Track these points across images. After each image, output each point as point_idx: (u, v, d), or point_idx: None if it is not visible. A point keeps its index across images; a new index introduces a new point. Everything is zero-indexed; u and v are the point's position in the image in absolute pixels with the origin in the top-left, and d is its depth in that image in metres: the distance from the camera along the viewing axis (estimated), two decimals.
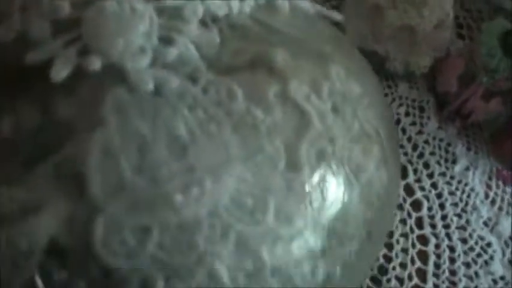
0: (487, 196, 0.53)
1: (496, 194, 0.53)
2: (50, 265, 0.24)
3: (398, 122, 0.54)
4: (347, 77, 0.30)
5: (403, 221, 0.50)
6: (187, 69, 0.25)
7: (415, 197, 0.51)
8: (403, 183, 0.51)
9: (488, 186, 0.54)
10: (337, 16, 0.33)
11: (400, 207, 0.50)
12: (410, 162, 0.52)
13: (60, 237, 0.24)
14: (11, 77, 0.25)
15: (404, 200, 0.51)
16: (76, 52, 0.23)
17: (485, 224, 0.51)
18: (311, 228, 0.27)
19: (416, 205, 0.51)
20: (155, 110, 0.24)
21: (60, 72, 0.23)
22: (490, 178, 0.54)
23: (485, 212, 0.52)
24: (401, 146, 0.53)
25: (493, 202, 0.53)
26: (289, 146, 0.26)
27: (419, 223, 0.50)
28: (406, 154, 0.53)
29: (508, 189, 0.54)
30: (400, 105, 0.55)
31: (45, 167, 0.24)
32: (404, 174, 0.52)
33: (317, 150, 0.27)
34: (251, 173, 0.25)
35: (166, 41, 0.25)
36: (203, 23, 0.26)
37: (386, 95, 0.55)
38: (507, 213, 0.52)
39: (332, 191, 0.27)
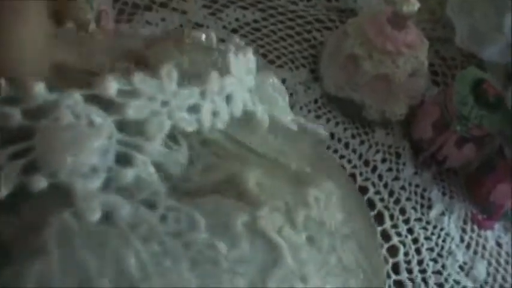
0: (462, 240, 0.54)
1: (471, 238, 0.54)
2: None
3: (375, 168, 0.55)
4: (327, 202, 0.27)
5: None
6: (144, 193, 0.23)
7: (391, 242, 0.52)
8: (379, 229, 0.52)
9: (464, 231, 0.55)
10: (322, 131, 0.31)
11: None
12: (386, 208, 0.54)
13: None
14: None
15: (381, 246, 0.52)
16: (21, 167, 0.21)
17: (461, 268, 0.53)
18: None
19: (393, 251, 0.52)
20: (103, 240, 0.22)
21: (1, 190, 0.21)
22: (465, 222, 0.55)
23: (460, 256, 0.53)
24: (378, 192, 0.54)
25: (468, 246, 0.54)
26: (254, 286, 0.23)
27: (396, 268, 0.51)
28: (382, 200, 0.54)
29: (482, 233, 0.55)
30: (377, 151, 0.56)
31: None
32: (380, 220, 0.53)
33: None
34: None
35: (123, 159, 0.22)
36: (173, 138, 0.24)
37: (363, 142, 0.57)
38: (482, 257, 0.54)
39: None
